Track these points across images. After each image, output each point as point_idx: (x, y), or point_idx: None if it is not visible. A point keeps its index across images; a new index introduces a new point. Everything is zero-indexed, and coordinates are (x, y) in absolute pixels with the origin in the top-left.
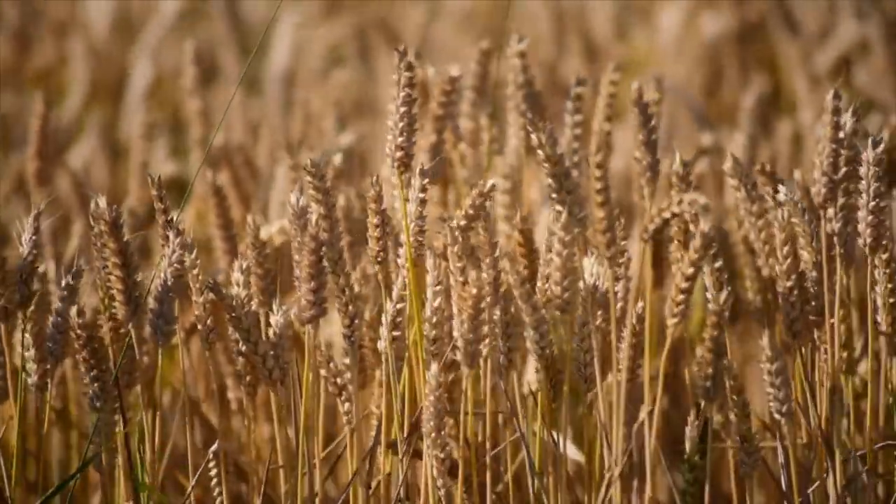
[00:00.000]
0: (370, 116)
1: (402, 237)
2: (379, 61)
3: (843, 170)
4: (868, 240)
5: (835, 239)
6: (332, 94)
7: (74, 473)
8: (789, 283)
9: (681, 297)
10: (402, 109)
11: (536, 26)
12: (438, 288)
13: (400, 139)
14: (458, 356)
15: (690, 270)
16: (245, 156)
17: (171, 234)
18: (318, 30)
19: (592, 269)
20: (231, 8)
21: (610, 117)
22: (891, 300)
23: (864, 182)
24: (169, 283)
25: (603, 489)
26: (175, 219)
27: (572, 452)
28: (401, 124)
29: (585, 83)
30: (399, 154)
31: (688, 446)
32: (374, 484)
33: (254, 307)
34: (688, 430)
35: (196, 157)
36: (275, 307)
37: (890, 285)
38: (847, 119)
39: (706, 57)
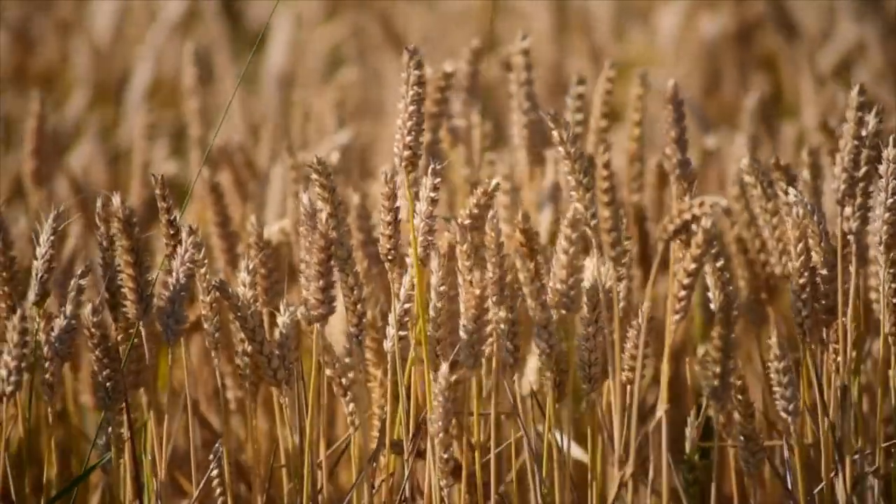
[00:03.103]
0: (370, 116)
1: (411, 236)
2: (378, 61)
3: (864, 168)
4: (884, 237)
5: (850, 238)
6: (331, 93)
7: (83, 475)
8: (801, 281)
9: (683, 293)
10: (412, 108)
11: (535, 26)
12: (442, 288)
13: (408, 138)
14: (461, 357)
15: (693, 266)
16: (245, 156)
17: (183, 234)
18: (318, 30)
19: (598, 268)
20: (231, 9)
21: (606, 115)
22: (895, 301)
23: (882, 180)
24: (181, 282)
25: (613, 491)
26: (176, 219)
27: (576, 452)
28: (409, 123)
29: (586, 82)
30: (407, 153)
31: (688, 446)
32: (377, 484)
33: (259, 307)
34: (688, 430)
35: (195, 158)
36: (281, 307)
37: (895, 286)
38: (871, 118)
39: (705, 57)
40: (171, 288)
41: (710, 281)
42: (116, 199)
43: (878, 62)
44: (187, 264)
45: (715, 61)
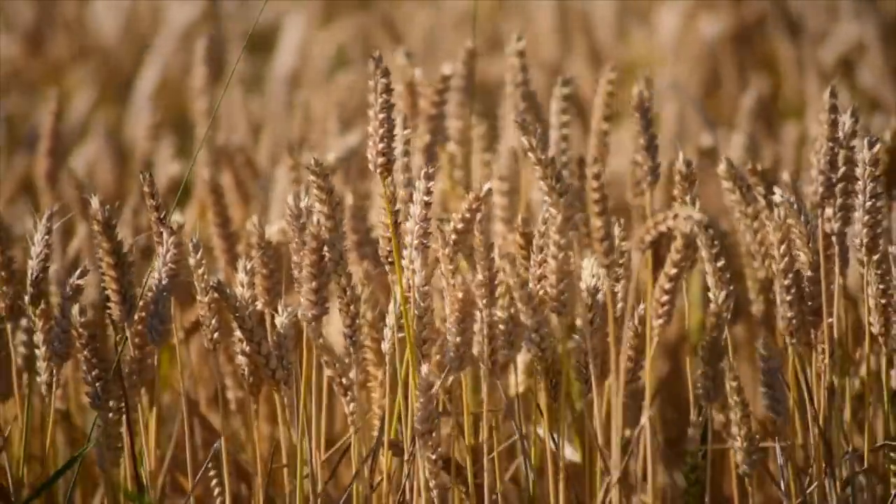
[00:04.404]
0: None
1: (406, 239)
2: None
3: (842, 169)
4: (864, 240)
5: (833, 239)
6: (335, 95)
7: (72, 460)
8: (786, 283)
9: (665, 297)
10: (381, 116)
11: (537, 27)
12: (426, 289)
13: (381, 145)
14: (446, 359)
15: (673, 271)
16: (246, 156)
17: (164, 234)
18: (323, 31)
19: (592, 270)
20: (239, 10)
21: (608, 117)
22: (882, 301)
23: (860, 182)
24: (164, 282)
25: (601, 494)
26: (171, 217)
27: (569, 453)
28: (381, 131)
29: (571, 83)
30: (381, 160)
31: (688, 447)
32: (375, 483)
33: (258, 307)
34: (689, 430)
35: (199, 158)
36: (280, 308)
37: (881, 286)
38: (846, 118)
39: (705, 58)
40: (154, 288)
41: (710, 281)
42: (95, 201)
43: (878, 61)
44: (169, 265)
45: (715, 61)
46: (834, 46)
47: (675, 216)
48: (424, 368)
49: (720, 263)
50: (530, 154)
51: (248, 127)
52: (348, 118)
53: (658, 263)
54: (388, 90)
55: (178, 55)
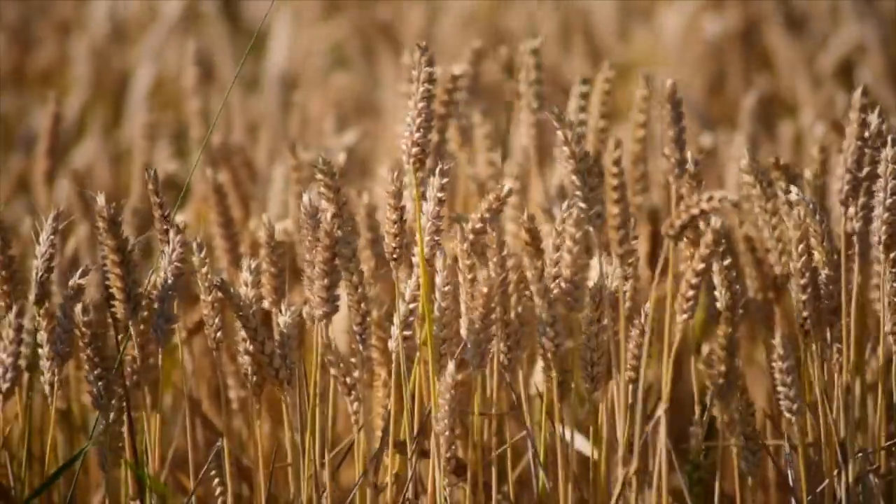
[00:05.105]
0: (370, 117)
1: (417, 236)
2: (380, 62)
3: (867, 168)
4: (883, 237)
5: (854, 238)
6: (331, 94)
7: (72, 460)
8: (803, 282)
9: (691, 292)
10: (421, 105)
11: (538, 27)
12: (447, 289)
13: (417, 135)
14: (467, 356)
15: (701, 266)
16: (244, 156)
17: (171, 233)
18: (319, 30)
19: (603, 267)
20: (230, 9)
21: (606, 115)
22: None
23: (881, 180)
24: (170, 281)
25: (617, 490)
26: (173, 217)
27: (581, 444)
28: (419, 120)
29: (589, 82)
30: (415, 150)
31: (692, 445)
32: (380, 484)
33: (265, 306)
34: (692, 429)
35: (195, 158)
36: (283, 307)
37: (895, 285)
38: (874, 119)
39: (709, 57)
40: (160, 287)
41: (716, 280)
42: (101, 199)
43: (879, 63)
44: (175, 263)
45: (719, 61)
46: (835, 48)
47: (710, 198)
48: (450, 366)
49: (726, 262)
50: (564, 147)
51: (243, 126)
52: (345, 117)
53: (654, 264)
54: (430, 80)
55: (171, 53)
